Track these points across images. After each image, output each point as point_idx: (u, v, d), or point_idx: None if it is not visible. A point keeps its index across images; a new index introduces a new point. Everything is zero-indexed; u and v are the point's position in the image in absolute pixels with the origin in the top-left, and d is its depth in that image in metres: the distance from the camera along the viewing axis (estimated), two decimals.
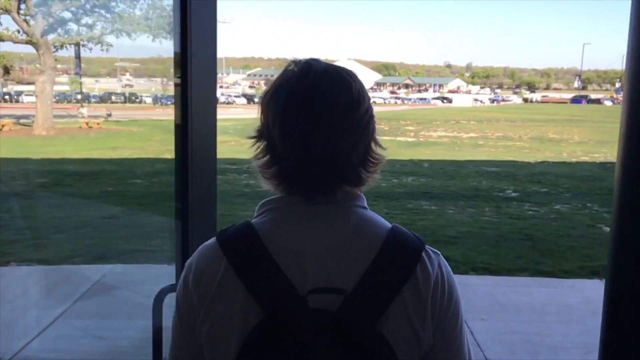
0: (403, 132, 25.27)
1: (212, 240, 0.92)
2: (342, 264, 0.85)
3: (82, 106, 38.90)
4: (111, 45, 34.19)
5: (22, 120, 25.62)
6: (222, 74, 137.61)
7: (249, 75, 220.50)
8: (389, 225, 0.91)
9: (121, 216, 7.73)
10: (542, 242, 6.43)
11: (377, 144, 0.92)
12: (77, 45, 36.01)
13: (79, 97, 70.30)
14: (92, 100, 68.51)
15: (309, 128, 0.85)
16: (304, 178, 0.88)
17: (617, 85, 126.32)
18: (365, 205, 0.92)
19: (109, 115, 36.08)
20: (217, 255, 0.88)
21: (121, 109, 53.10)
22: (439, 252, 0.92)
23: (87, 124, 30.10)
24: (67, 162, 13.76)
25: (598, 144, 21.19)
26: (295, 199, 0.90)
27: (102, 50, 35.41)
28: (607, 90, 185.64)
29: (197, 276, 0.89)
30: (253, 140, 0.91)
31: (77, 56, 38.98)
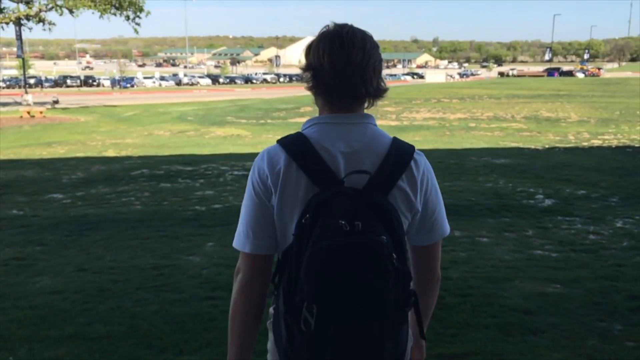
0: (383, 115, 22.86)
1: (275, 144, 1.38)
2: (364, 159, 1.35)
3: (26, 92, 35.35)
4: (54, 24, 30.80)
5: None
6: (186, 54, 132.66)
7: (214, 54, 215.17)
8: (391, 137, 1.43)
9: (12, 265, 5.15)
10: None
11: (383, 81, 1.41)
12: (18, 24, 32.40)
13: (31, 81, 65.83)
14: (46, 84, 64.23)
15: (348, 57, 1.33)
16: (342, 94, 1.37)
17: (586, 56, 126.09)
18: (376, 123, 1.43)
19: (56, 102, 32.60)
20: (282, 153, 1.36)
21: (76, 94, 49.44)
22: (422, 154, 1.43)
23: (28, 112, 26.72)
24: None
25: (601, 122, 19.17)
26: (332, 117, 1.40)
27: (44, 29, 31.87)
28: (572, 61, 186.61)
29: (270, 166, 1.35)
30: (304, 72, 1.39)
31: (18, 37, 35.21)
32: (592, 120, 19.80)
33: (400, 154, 1.38)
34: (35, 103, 32.89)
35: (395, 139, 1.42)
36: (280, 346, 1.34)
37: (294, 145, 1.36)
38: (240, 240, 1.42)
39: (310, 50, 1.39)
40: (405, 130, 17.79)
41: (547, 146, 13.88)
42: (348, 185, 1.31)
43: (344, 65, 1.34)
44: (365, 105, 1.42)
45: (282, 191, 1.34)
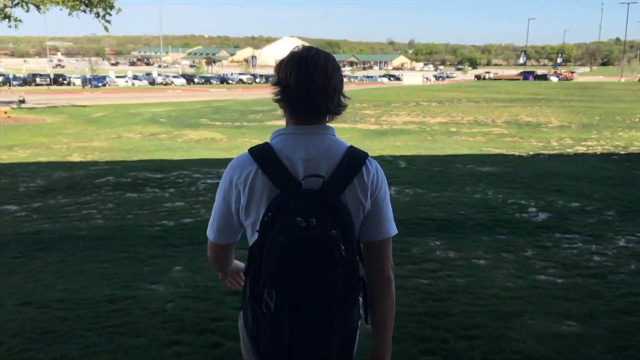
0: (362, 118, 22.35)
1: (246, 152, 1.59)
2: (321, 165, 1.55)
3: None
4: (20, 21, 29.57)
5: None
6: (160, 53, 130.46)
7: (189, 53, 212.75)
8: (347, 145, 1.61)
9: None
10: None
11: (344, 96, 1.62)
12: None
13: (0, 80, 63.84)
14: (15, 83, 62.16)
15: (311, 78, 1.52)
16: (305, 110, 1.57)
17: (559, 60, 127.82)
18: (334, 133, 1.62)
19: (22, 101, 31.25)
20: (250, 161, 1.57)
21: (45, 93, 47.85)
22: (374, 161, 1.62)
23: None
24: None
25: (582, 128, 18.95)
26: (295, 129, 1.60)
27: (9, 26, 30.59)
28: (545, 65, 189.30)
29: (239, 172, 1.58)
30: (273, 86, 1.58)
31: None
32: (573, 126, 19.58)
33: (353, 161, 1.58)
34: (0, 102, 31.60)
35: (350, 147, 1.61)
36: (247, 326, 1.59)
37: (261, 154, 1.58)
38: (209, 230, 1.72)
39: (280, 67, 1.59)
40: (386, 135, 17.29)
41: (531, 153, 13.51)
42: (306, 187, 1.51)
43: (308, 85, 1.54)
44: (327, 118, 1.63)
45: (250, 193, 1.56)
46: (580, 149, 14.25)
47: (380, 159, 12.67)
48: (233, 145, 15.26)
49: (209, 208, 1.83)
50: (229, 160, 1.70)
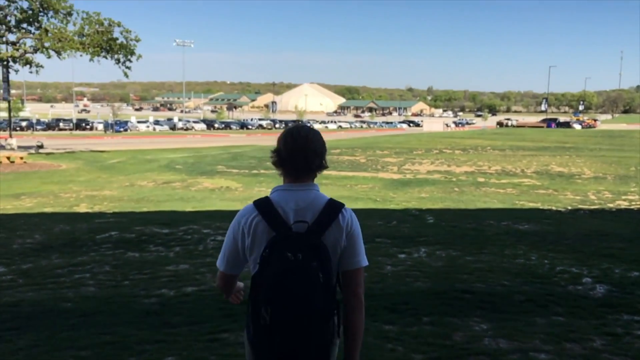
0: (384, 166, 21.53)
1: (251, 204, 2.11)
2: (307, 213, 2.05)
3: (10, 136, 33.96)
4: (42, 67, 29.69)
5: None
6: (183, 98, 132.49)
7: (211, 99, 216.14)
8: (328, 198, 2.13)
9: None
10: None
11: (325, 162, 2.15)
12: (5, 67, 31.30)
13: (23, 124, 64.73)
14: (38, 127, 62.86)
15: (301, 151, 2.08)
16: (295, 173, 2.11)
17: (581, 108, 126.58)
18: (318, 189, 2.14)
19: (40, 146, 31.12)
20: (254, 210, 2.08)
21: (66, 138, 48.04)
22: (349, 209, 2.12)
23: (8, 158, 25.23)
24: None
25: (619, 180, 17.85)
26: (288, 186, 2.12)
27: (30, 72, 30.69)
28: (565, 112, 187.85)
29: (246, 218, 2.09)
30: (272, 152, 2.13)
31: (5, 79, 34.10)
32: (609, 177, 18.48)
33: (332, 210, 2.09)
34: (20, 147, 31.47)
35: (330, 200, 2.13)
36: (249, 335, 2.09)
37: (262, 205, 2.09)
38: (219, 262, 2.21)
39: (278, 139, 2.16)
40: (409, 185, 16.39)
41: (569, 207, 12.47)
42: (295, 230, 2.02)
43: (296, 152, 2.09)
44: (313, 176, 2.16)
45: (253, 235, 2.07)
46: (622, 203, 13.17)
47: (406, 212, 11.76)
48: (248, 195, 14.48)
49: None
50: None
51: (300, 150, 2.06)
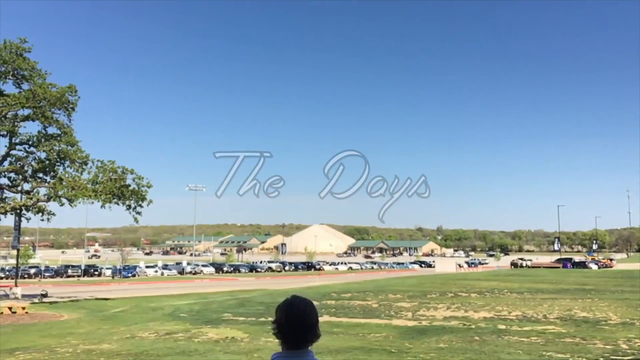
0: (397, 312, 20.56)
1: None
2: None
3: (16, 285, 33.45)
4: (54, 214, 30.00)
5: None
6: (193, 241, 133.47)
7: (221, 242, 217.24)
8: None
9: None
10: None
11: (319, 331, 2.50)
12: (18, 215, 31.67)
13: (32, 271, 64.48)
14: (47, 274, 62.41)
15: (297, 322, 2.44)
16: (293, 341, 2.45)
17: (594, 247, 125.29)
18: (313, 355, 2.47)
19: (44, 295, 30.44)
20: None
21: (73, 285, 47.35)
22: None
23: (10, 308, 24.44)
24: None
25: None
26: (286, 353, 2.46)
27: (42, 219, 30.95)
28: (579, 251, 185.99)
29: None
30: (273, 322, 2.52)
31: (17, 227, 34.34)
32: (637, 323, 17.38)
33: None
34: (24, 296, 30.85)
35: None
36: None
37: None
38: None
39: (277, 310, 2.50)
40: (426, 334, 15.38)
41: (601, 359, 11.45)
42: None
43: (293, 323, 2.43)
44: (309, 344, 2.48)
45: None
46: None
47: None
48: (254, 347, 13.57)
49: None
50: None
51: (299, 325, 2.44)
